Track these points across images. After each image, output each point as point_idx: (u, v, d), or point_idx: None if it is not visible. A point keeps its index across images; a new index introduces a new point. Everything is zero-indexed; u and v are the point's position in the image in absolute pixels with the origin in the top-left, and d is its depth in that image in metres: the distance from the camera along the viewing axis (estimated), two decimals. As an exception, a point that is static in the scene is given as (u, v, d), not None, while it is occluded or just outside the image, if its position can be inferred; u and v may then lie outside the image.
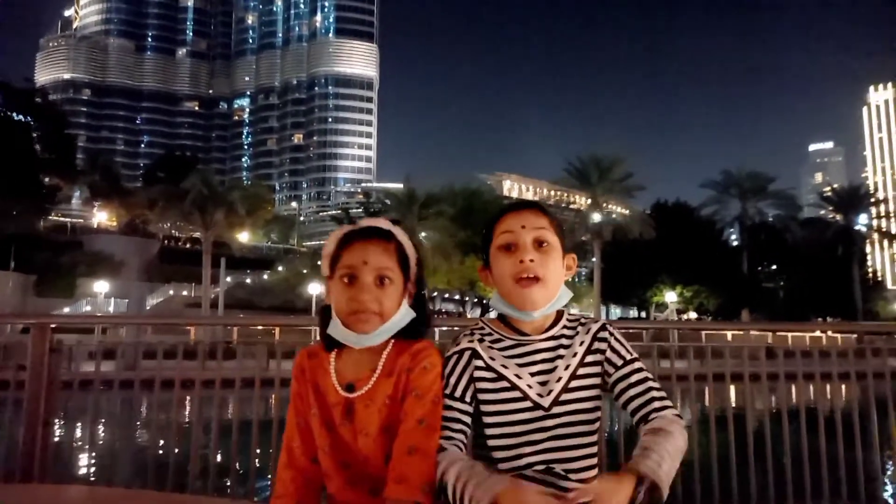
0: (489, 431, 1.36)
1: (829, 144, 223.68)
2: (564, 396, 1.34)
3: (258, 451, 3.08)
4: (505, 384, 1.35)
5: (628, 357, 1.38)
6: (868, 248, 48.49)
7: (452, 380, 1.36)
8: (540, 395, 1.34)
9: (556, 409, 1.33)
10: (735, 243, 41.51)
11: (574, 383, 1.35)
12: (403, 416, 1.31)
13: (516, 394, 1.34)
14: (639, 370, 1.37)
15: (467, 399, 1.36)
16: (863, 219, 42.04)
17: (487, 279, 1.44)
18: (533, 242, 1.37)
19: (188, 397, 3.11)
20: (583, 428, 1.35)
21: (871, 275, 51.10)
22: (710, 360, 3.28)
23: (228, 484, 3.16)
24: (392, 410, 1.33)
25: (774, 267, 44.00)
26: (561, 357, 1.37)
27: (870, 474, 3.13)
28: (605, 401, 1.46)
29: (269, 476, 3.02)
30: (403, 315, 1.37)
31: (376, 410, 1.33)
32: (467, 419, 1.35)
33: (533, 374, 1.35)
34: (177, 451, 3.15)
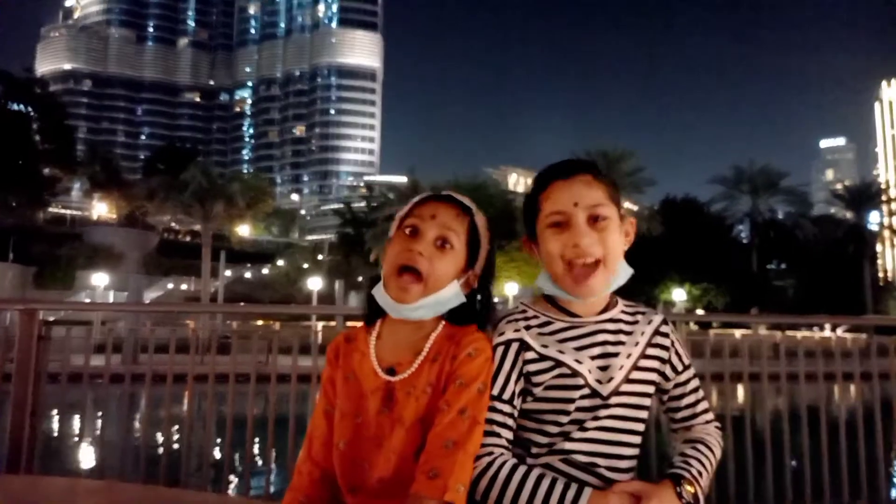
0: (544, 418, 1.21)
1: (841, 141, 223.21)
2: (624, 387, 1.22)
3: (257, 448, 2.96)
4: (565, 370, 1.20)
5: (687, 362, 1.31)
6: (879, 247, 48.24)
7: (501, 378, 1.21)
8: (599, 382, 1.21)
9: (613, 400, 1.21)
10: (745, 240, 41.38)
11: (635, 375, 1.24)
12: (444, 405, 1.17)
13: (578, 380, 1.20)
14: (694, 377, 1.32)
15: (515, 402, 1.21)
16: (874, 216, 41.85)
17: (533, 252, 1.30)
18: (588, 220, 1.21)
19: (186, 392, 3.00)
20: (633, 426, 1.22)
21: (881, 274, 51.09)
22: (727, 360, 3.16)
23: (222, 479, 3.06)
24: (432, 399, 1.19)
25: (784, 265, 43.93)
26: (623, 343, 1.24)
27: (888, 474, 3.07)
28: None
29: (264, 472, 2.91)
30: (452, 295, 1.23)
31: (414, 398, 1.20)
32: (513, 423, 1.21)
33: (592, 358, 1.22)
34: (171, 445, 3.06)
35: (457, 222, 1.25)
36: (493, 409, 1.20)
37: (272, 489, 3.15)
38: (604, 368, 1.22)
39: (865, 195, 41.18)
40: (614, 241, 1.22)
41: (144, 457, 2.92)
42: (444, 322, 1.26)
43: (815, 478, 2.94)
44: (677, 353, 1.30)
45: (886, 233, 42.76)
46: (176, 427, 3.12)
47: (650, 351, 1.26)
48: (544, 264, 1.27)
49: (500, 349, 1.23)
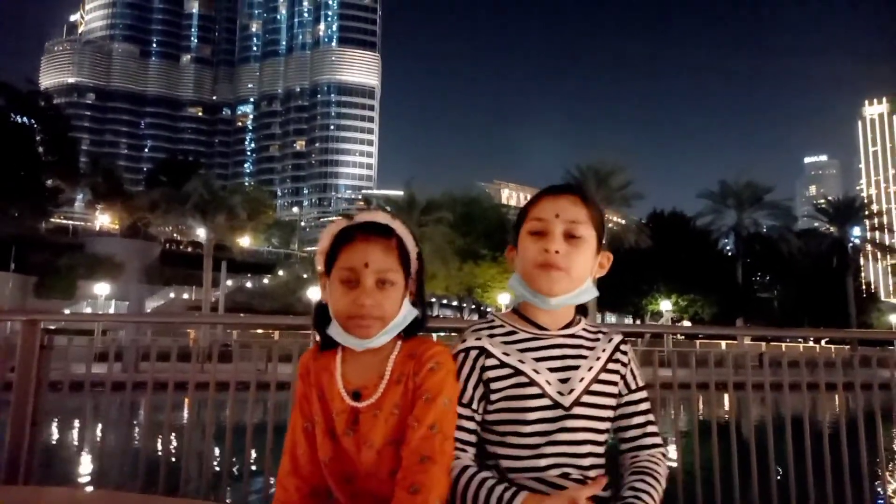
0: (504, 429, 1.27)
1: (824, 157, 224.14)
2: (586, 398, 1.28)
3: (253, 455, 3.03)
4: (522, 379, 1.26)
5: (640, 384, 1.38)
6: (862, 261, 48.39)
7: (460, 384, 1.29)
8: (560, 394, 1.26)
9: (576, 410, 1.26)
10: (730, 253, 41.53)
11: (596, 387, 1.30)
12: (414, 421, 1.21)
13: (535, 390, 1.26)
14: (646, 399, 1.37)
15: (475, 405, 1.28)
16: (857, 231, 42.06)
17: (513, 260, 1.37)
18: (564, 233, 1.28)
19: (186, 399, 3.05)
20: (598, 437, 1.29)
21: (864, 287, 51.19)
22: (713, 369, 3.24)
23: (220, 487, 3.10)
24: (400, 421, 1.23)
25: (769, 277, 44.05)
26: (583, 357, 1.31)
27: (872, 483, 3.12)
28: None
29: (262, 481, 2.97)
30: (406, 316, 1.28)
31: (383, 420, 1.24)
32: (474, 426, 1.28)
33: (552, 370, 1.28)
34: (171, 454, 3.10)
35: (389, 256, 1.24)
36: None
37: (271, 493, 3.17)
38: (564, 380, 1.27)
39: (849, 210, 41.41)
40: (583, 261, 1.29)
41: (144, 465, 2.95)
42: (400, 342, 1.29)
43: (799, 486, 2.98)
44: (632, 372, 1.36)
45: (869, 247, 42.82)
46: (174, 435, 3.17)
47: (610, 366, 1.33)
48: (519, 267, 1.33)
49: (461, 356, 1.30)
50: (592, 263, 1.32)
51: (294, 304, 38.62)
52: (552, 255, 1.26)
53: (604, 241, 1.35)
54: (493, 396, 1.27)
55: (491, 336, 1.31)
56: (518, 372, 1.26)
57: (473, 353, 1.29)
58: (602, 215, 1.34)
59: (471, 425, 1.27)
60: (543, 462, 1.23)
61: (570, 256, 1.27)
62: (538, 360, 1.28)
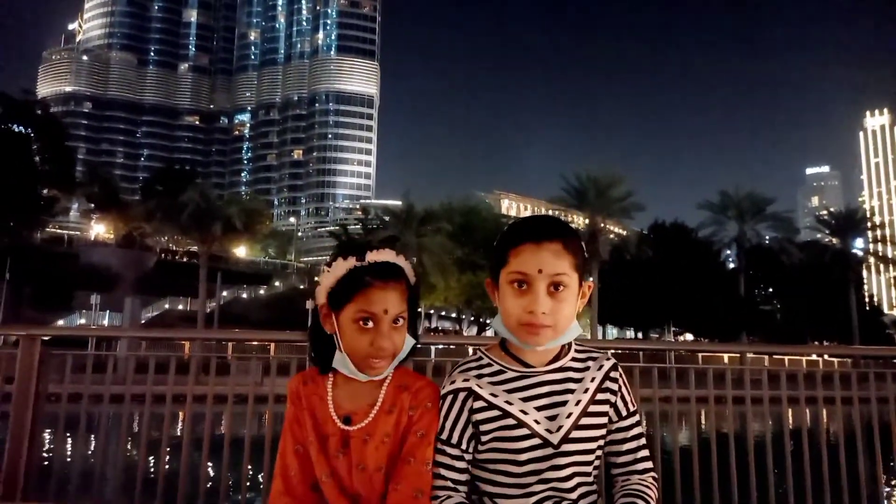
0: (495, 468, 1.30)
1: (826, 168, 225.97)
2: (574, 434, 1.29)
3: (249, 468, 3.01)
4: (510, 421, 1.28)
5: (632, 408, 1.38)
6: (864, 273, 48.60)
7: (448, 424, 1.31)
8: (549, 431, 1.27)
9: (565, 447, 1.28)
10: (732, 265, 41.62)
11: (584, 420, 1.30)
12: (408, 455, 1.28)
13: (523, 431, 1.27)
14: (638, 424, 1.38)
15: (464, 445, 1.31)
16: (859, 243, 42.24)
17: (493, 294, 1.34)
18: (548, 287, 1.25)
19: (181, 413, 3.04)
20: (587, 468, 1.31)
21: (867, 299, 51.35)
22: (711, 384, 3.25)
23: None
24: (392, 449, 1.30)
25: (771, 290, 44.12)
26: (571, 391, 1.30)
27: (871, 496, 3.14)
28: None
29: (261, 494, 2.95)
30: (407, 346, 1.35)
31: (374, 448, 1.30)
32: (464, 465, 1.31)
33: (539, 409, 1.29)
34: (167, 468, 3.08)
35: (403, 300, 1.31)
36: (440, 453, 1.30)
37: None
38: (552, 418, 1.28)
39: (851, 221, 41.62)
40: (568, 311, 1.27)
41: (141, 480, 2.93)
42: (392, 371, 1.35)
43: (798, 498, 2.99)
44: (623, 399, 1.35)
45: (871, 259, 42.94)
46: (169, 449, 3.15)
47: (599, 396, 1.32)
48: (501, 309, 1.31)
49: (449, 398, 1.32)
50: (577, 302, 1.30)
51: (290, 315, 38.41)
52: (537, 315, 1.24)
53: (584, 273, 1.30)
54: (484, 437, 1.30)
55: (479, 377, 1.32)
56: (506, 413, 1.28)
57: (462, 395, 1.31)
58: (582, 250, 1.29)
59: (461, 465, 1.30)
60: (533, 499, 1.26)
61: (555, 313, 1.25)
62: (525, 399, 1.29)
